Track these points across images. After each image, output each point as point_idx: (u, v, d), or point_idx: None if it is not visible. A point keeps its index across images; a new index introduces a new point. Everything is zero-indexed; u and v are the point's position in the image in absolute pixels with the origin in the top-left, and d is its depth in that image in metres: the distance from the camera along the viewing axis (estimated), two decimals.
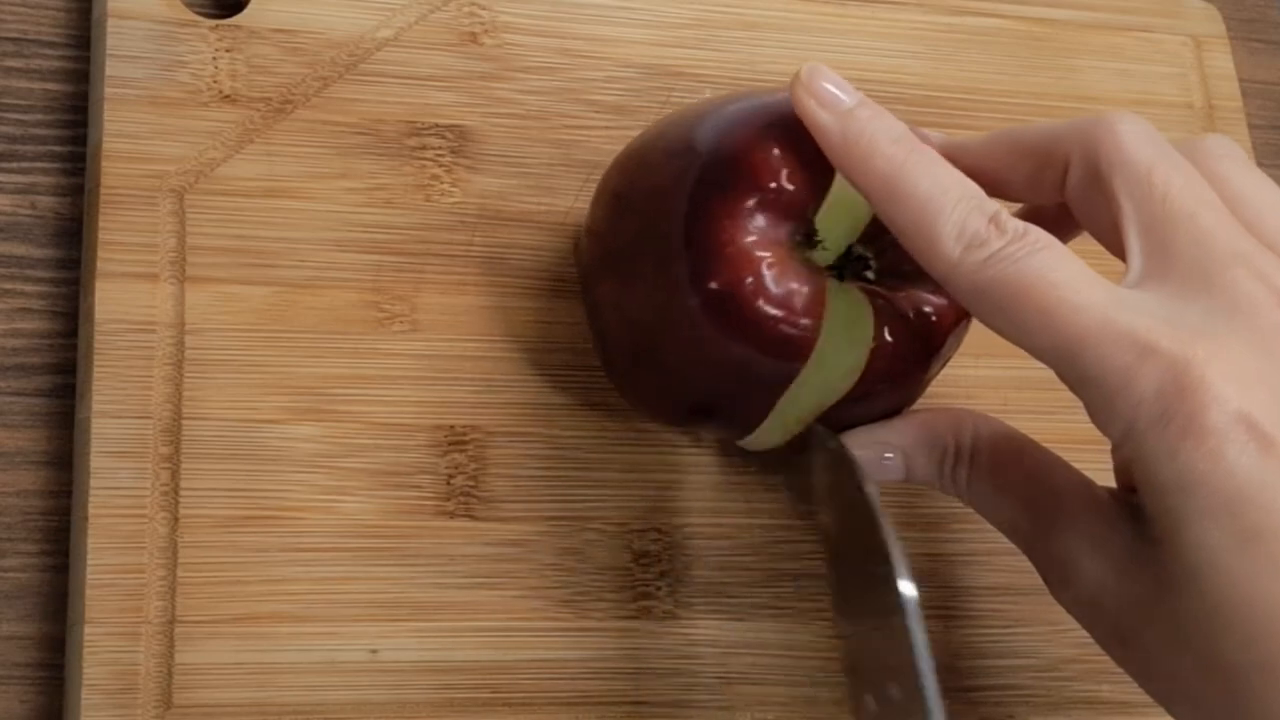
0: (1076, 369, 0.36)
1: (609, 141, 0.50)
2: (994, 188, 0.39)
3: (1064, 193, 0.39)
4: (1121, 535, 0.38)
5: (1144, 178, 0.37)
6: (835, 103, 0.39)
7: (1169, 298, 0.36)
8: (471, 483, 0.45)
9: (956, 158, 0.39)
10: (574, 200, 0.49)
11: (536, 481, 0.46)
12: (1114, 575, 0.38)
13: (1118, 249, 0.38)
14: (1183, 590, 0.36)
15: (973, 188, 0.37)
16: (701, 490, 0.47)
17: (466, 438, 0.46)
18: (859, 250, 0.42)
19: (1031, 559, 0.42)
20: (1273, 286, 0.36)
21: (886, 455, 0.42)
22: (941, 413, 0.43)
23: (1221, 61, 0.58)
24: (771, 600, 0.46)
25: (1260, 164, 0.58)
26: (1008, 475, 0.42)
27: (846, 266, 0.42)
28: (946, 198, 0.37)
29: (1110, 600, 0.38)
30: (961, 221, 0.36)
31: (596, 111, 0.50)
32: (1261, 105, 0.60)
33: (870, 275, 0.42)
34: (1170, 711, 0.39)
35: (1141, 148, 0.37)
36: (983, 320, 0.37)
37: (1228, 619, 0.35)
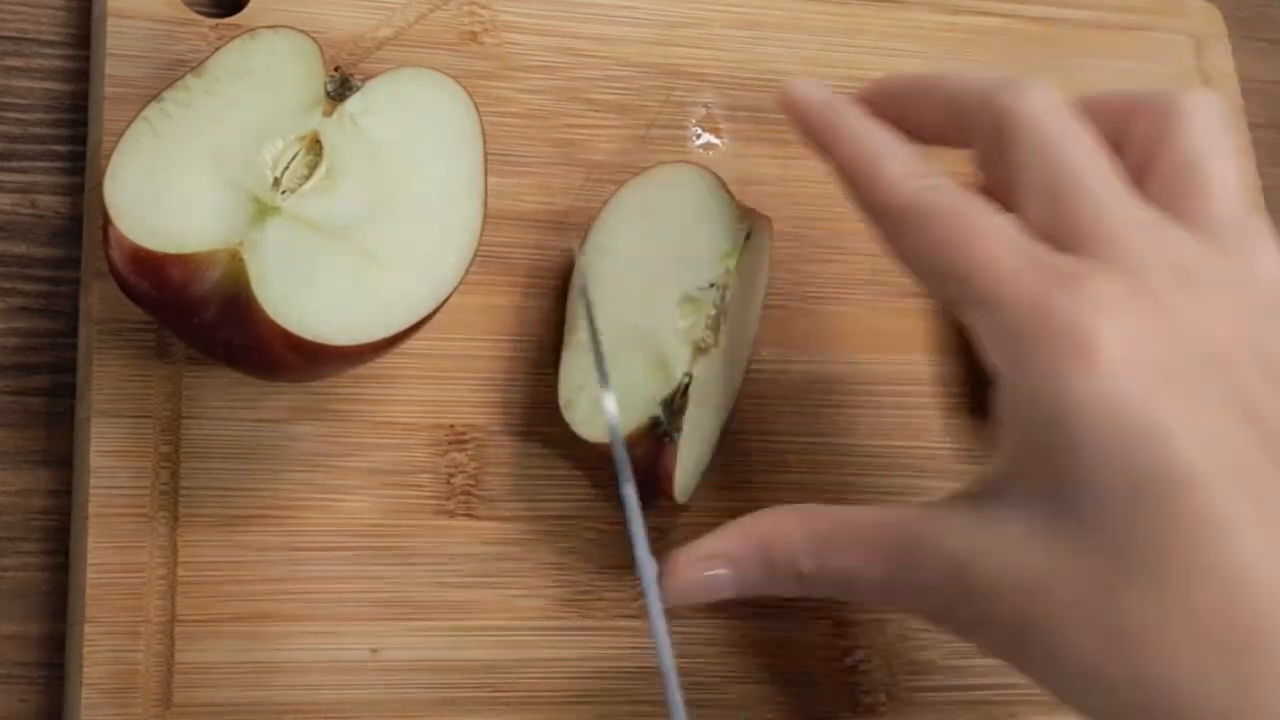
0: (983, 289, 0.38)
1: (609, 141, 0.50)
2: (903, 124, 0.42)
3: (973, 149, 0.42)
4: (997, 522, 0.38)
5: (1042, 149, 0.39)
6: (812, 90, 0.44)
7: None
8: (471, 482, 0.45)
9: (878, 94, 0.43)
10: (574, 200, 0.49)
11: (536, 481, 0.46)
12: (1000, 564, 0.38)
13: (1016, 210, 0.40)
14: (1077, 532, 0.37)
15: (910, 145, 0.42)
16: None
17: (466, 437, 0.46)
18: None
19: (900, 605, 0.42)
20: (1163, 253, 0.38)
21: (716, 571, 0.41)
22: (763, 516, 0.42)
23: (1221, 61, 0.58)
24: (771, 600, 0.46)
25: (1260, 164, 0.58)
26: (847, 547, 0.41)
27: None
28: (890, 140, 0.41)
29: (1009, 593, 0.38)
30: (906, 157, 0.41)
31: (596, 111, 0.50)
32: (1261, 105, 0.60)
33: None
34: (1073, 691, 0.38)
35: (1043, 120, 0.40)
36: (905, 239, 0.40)
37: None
